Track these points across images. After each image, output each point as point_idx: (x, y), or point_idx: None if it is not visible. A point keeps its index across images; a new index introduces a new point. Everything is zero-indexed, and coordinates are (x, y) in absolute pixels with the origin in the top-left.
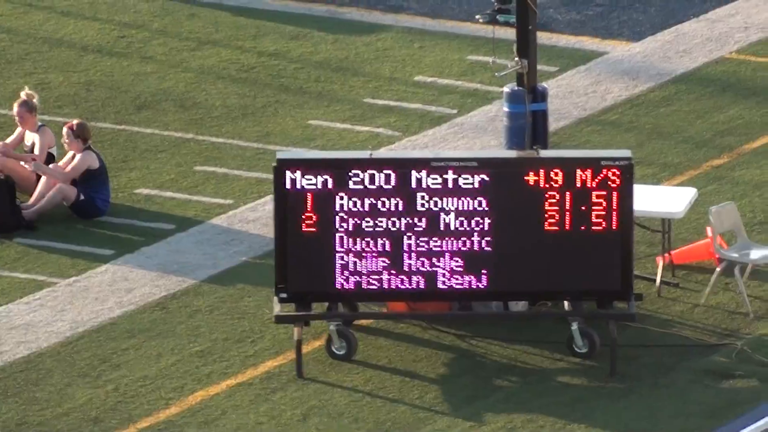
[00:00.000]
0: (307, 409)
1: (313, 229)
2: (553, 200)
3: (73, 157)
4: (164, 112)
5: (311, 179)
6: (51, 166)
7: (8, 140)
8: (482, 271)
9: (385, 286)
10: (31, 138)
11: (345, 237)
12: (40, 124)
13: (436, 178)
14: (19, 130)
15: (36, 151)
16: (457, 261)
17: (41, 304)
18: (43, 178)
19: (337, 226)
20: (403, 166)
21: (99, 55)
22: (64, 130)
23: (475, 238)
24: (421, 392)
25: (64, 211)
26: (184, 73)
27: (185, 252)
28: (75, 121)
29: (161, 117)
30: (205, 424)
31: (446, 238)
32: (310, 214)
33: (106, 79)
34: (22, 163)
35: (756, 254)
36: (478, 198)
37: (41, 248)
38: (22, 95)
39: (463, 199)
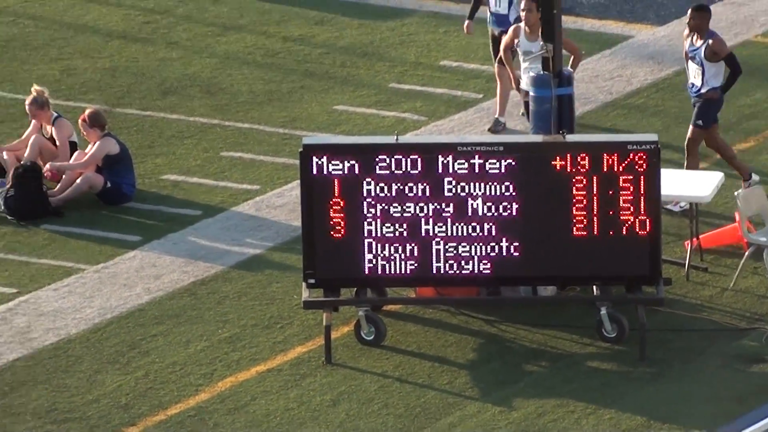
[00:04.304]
0: (337, 394)
1: (341, 215)
2: (580, 185)
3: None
4: (190, 98)
5: (338, 164)
6: (72, 159)
7: (23, 137)
8: (510, 256)
9: (414, 271)
10: (50, 129)
11: (372, 222)
12: (55, 115)
13: (463, 163)
14: (33, 123)
15: (58, 145)
16: (485, 246)
17: (70, 291)
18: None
19: (364, 212)
20: (429, 151)
21: (124, 40)
22: (79, 122)
23: (503, 224)
24: (451, 377)
25: (91, 198)
26: (209, 59)
27: (212, 238)
28: (87, 112)
29: (187, 103)
30: (234, 409)
31: (474, 224)
32: (337, 200)
33: (131, 64)
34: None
35: None
36: (505, 183)
37: (69, 235)
38: (32, 91)
39: (489, 184)
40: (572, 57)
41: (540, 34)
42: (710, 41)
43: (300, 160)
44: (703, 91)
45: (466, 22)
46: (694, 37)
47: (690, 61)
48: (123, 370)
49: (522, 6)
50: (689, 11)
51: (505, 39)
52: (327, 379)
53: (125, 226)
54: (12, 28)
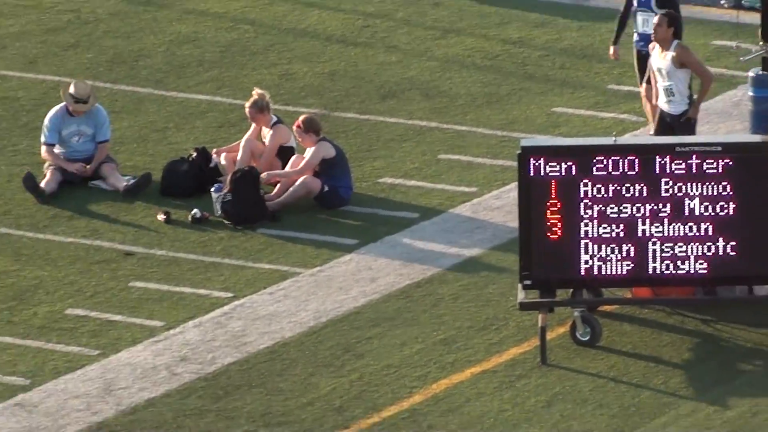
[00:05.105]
0: (552, 395)
1: (558, 216)
2: None
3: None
4: (408, 101)
5: (555, 166)
6: (288, 164)
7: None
8: (728, 256)
9: (630, 271)
10: (267, 134)
11: (589, 223)
12: (274, 120)
13: (680, 164)
14: (253, 126)
15: (265, 151)
16: (701, 246)
17: (285, 295)
18: (289, 169)
19: (581, 213)
20: (646, 152)
21: (343, 44)
22: (294, 128)
23: (720, 223)
24: (666, 377)
25: (307, 202)
26: (428, 62)
27: (429, 240)
28: (301, 118)
29: (405, 106)
30: (449, 411)
31: (691, 224)
32: (555, 201)
33: (350, 68)
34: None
35: None
36: (723, 183)
37: (285, 239)
38: (254, 94)
39: (707, 184)
40: (702, 81)
41: (671, 48)
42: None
43: (518, 162)
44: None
45: (612, 48)
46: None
47: None
48: (337, 373)
49: (654, 20)
50: None
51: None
52: (542, 380)
53: (342, 229)
54: (231, 34)
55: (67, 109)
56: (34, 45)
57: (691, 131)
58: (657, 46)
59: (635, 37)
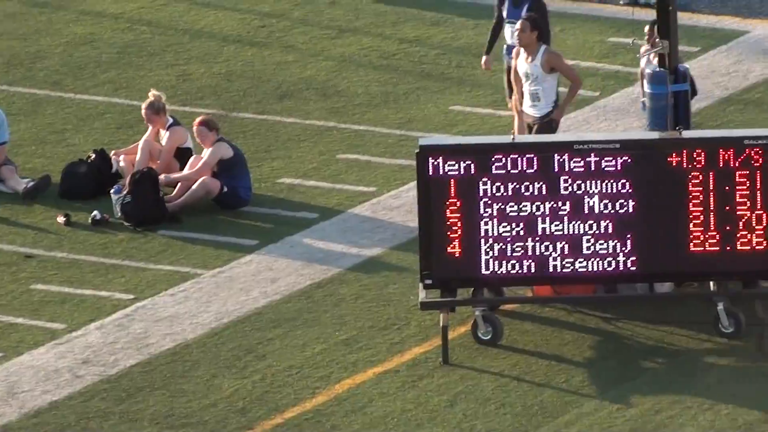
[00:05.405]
0: (454, 395)
1: (457, 215)
2: (696, 181)
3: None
4: (306, 101)
5: (454, 165)
6: (187, 165)
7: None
8: (627, 254)
9: (530, 270)
10: (164, 136)
11: (489, 222)
12: (171, 121)
13: (579, 162)
14: (150, 128)
15: (162, 152)
16: (601, 244)
17: (186, 296)
18: (187, 171)
19: (481, 212)
20: (545, 150)
21: (240, 45)
22: (194, 128)
23: (620, 221)
24: (568, 376)
25: (207, 203)
26: (325, 62)
27: (329, 240)
28: (200, 119)
29: (303, 106)
30: (352, 412)
31: (590, 221)
32: (454, 200)
33: (247, 69)
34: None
35: None
36: (621, 180)
37: (185, 240)
38: (150, 96)
39: (606, 181)
40: (571, 85)
41: (538, 53)
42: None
43: (416, 161)
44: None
45: (484, 57)
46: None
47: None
48: (240, 375)
49: (516, 26)
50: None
51: (507, 63)
52: (444, 379)
53: (242, 230)
54: (128, 35)
55: None
56: None
57: (551, 133)
58: (522, 51)
59: (504, 49)
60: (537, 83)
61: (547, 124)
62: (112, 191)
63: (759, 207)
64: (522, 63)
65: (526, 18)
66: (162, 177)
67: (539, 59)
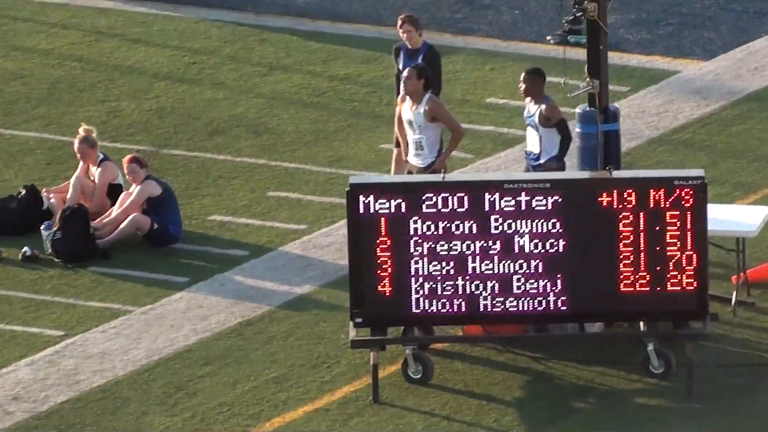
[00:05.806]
0: None
1: (388, 253)
2: (627, 221)
3: None
4: (236, 138)
5: (384, 203)
6: (117, 202)
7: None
8: (557, 293)
9: (461, 309)
10: (95, 172)
11: (419, 260)
12: (101, 157)
13: (510, 201)
14: (81, 164)
15: (95, 188)
16: (531, 283)
17: (117, 333)
18: (116, 211)
19: (411, 250)
20: (476, 189)
21: (170, 81)
22: (126, 166)
23: (550, 260)
24: (498, 415)
25: (137, 239)
26: (255, 99)
27: (260, 278)
28: (129, 156)
29: (234, 143)
30: None
31: (521, 261)
32: (384, 239)
33: (177, 105)
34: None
35: None
36: (552, 220)
37: (116, 276)
38: (81, 131)
39: (537, 221)
40: (452, 135)
41: (423, 101)
42: (543, 106)
43: (347, 200)
44: (542, 161)
45: (398, 108)
46: (530, 103)
47: (528, 128)
48: (170, 412)
49: (404, 74)
50: (522, 75)
51: (397, 111)
52: (374, 418)
53: (172, 267)
54: (58, 71)
55: None
56: None
57: None
58: (408, 98)
59: (398, 99)
60: (420, 132)
61: (431, 174)
62: (42, 227)
63: (689, 247)
64: (407, 110)
65: (414, 66)
66: (95, 223)
67: (422, 107)
